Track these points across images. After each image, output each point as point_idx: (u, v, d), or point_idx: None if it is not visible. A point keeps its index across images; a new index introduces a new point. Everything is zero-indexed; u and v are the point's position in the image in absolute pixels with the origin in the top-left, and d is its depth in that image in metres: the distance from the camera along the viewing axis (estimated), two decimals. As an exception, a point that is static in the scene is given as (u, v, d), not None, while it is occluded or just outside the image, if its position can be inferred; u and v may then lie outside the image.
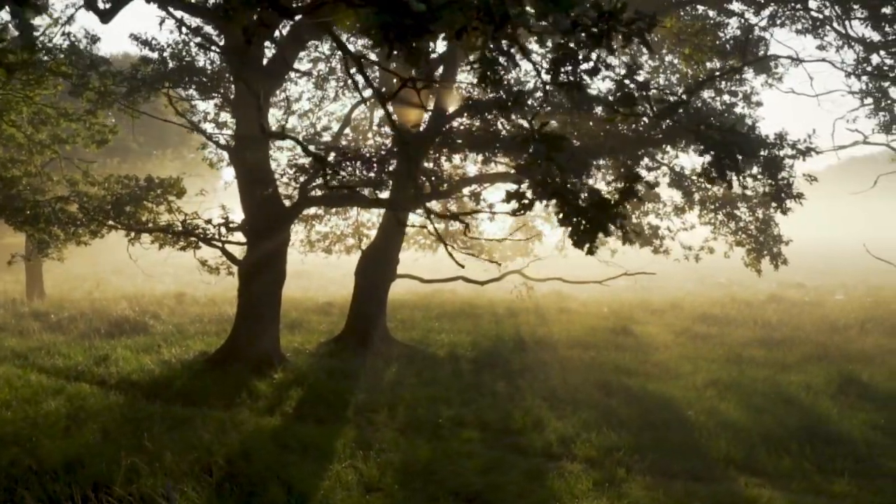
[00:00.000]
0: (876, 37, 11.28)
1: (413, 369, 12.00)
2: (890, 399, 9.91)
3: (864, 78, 11.67)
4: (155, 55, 12.51)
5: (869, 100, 11.95)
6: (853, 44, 11.45)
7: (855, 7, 11.52)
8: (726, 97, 16.45)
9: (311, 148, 10.93)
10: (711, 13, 15.06)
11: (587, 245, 3.70)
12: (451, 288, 22.39)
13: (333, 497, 6.20)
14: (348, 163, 10.73)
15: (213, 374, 11.25)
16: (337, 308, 19.13)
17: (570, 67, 3.67)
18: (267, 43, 11.78)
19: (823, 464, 7.39)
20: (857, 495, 6.67)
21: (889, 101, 11.70)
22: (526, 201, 3.67)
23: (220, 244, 12.21)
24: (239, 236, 12.49)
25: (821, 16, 11.59)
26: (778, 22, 13.64)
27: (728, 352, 13.73)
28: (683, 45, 12.08)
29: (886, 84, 11.32)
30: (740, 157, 4.28)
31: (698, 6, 14.88)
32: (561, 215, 3.67)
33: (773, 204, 10.38)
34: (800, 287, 24.93)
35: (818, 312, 18.24)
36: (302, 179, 11.64)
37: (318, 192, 12.49)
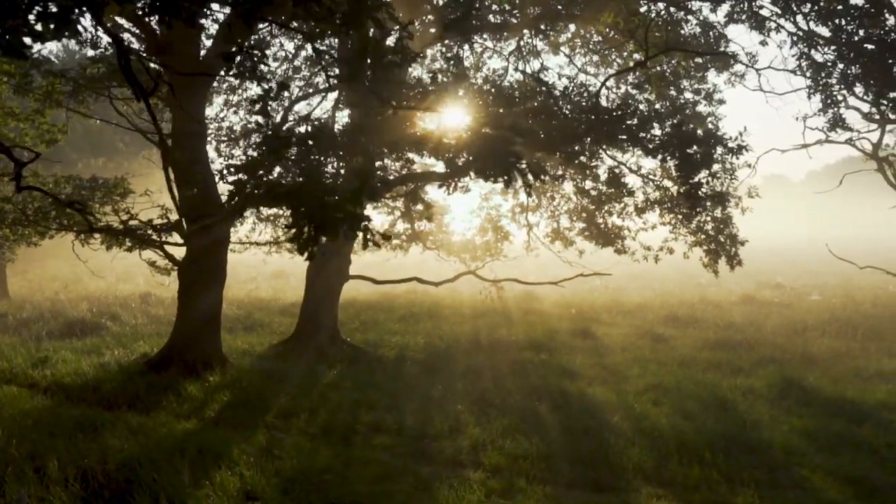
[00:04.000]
0: (825, 32, 10.99)
1: (353, 372, 11.82)
2: (828, 405, 9.64)
3: (809, 73, 11.37)
4: (95, 53, 12.33)
5: (816, 97, 11.66)
6: (797, 40, 11.17)
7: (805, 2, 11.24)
8: (689, 94, 16.32)
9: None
10: (677, 10, 14.87)
11: (307, 250, 3.49)
12: (423, 289, 22.19)
13: (205, 506, 6.01)
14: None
15: (146, 378, 11.07)
16: (301, 309, 18.96)
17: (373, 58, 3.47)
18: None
19: (734, 473, 7.13)
20: (758, 507, 6.43)
21: (834, 98, 11.39)
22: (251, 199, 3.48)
23: (157, 244, 12.03)
24: (180, 237, 12.30)
25: (766, 13, 11.31)
26: (735, 17, 13.39)
27: (683, 354, 13.47)
28: (625, 40, 11.82)
29: (831, 80, 11.01)
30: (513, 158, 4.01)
31: (659, 3, 14.69)
32: (291, 218, 3.46)
33: (688, 204, 10.09)
34: (777, 287, 24.58)
35: (786, 314, 17.92)
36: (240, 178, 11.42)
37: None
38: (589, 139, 9.82)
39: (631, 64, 16.36)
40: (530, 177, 4.83)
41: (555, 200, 18.19)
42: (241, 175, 3.72)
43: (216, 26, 10.58)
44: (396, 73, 3.94)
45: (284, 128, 15.56)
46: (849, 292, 22.29)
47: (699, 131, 10.01)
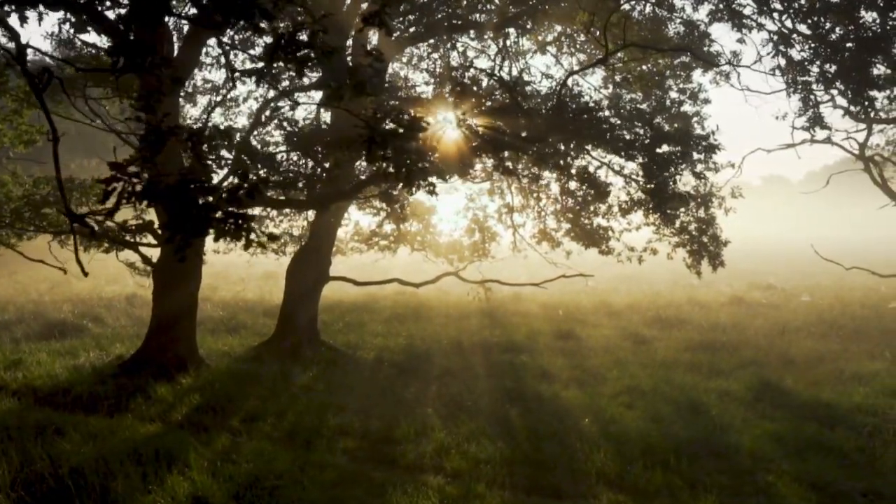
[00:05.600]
0: (804, 30, 10.84)
1: (328, 374, 11.69)
2: (803, 407, 9.49)
3: (787, 73, 11.23)
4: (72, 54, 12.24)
5: (796, 96, 11.53)
6: (778, 40, 11.02)
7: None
8: (674, 94, 16.18)
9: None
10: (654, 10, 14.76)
11: (181, 252, 3.38)
12: (411, 291, 22.02)
13: (151, 512, 5.90)
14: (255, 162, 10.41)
15: (118, 380, 10.97)
16: (286, 310, 18.80)
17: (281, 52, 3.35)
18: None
19: (698, 479, 7.00)
20: (718, 513, 6.30)
21: (813, 97, 11.24)
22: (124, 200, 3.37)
23: (132, 245, 11.94)
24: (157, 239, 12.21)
25: (748, 11, 11.17)
26: (718, 16, 13.27)
27: (665, 356, 13.33)
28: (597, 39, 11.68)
29: (809, 78, 10.88)
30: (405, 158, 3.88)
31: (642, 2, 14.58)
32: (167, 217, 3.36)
33: (651, 204, 9.93)
34: (768, 288, 24.40)
35: (773, 315, 17.76)
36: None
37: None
38: (552, 138, 9.68)
39: (621, 62, 16.28)
40: (434, 178, 4.72)
41: (541, 201, 18.04)
42: (114, 172, 3.59)
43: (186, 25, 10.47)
44: (326, 69, 3.82)
45: (270, 127, 15.51)
46: (839, 293, 22.11)
47: (678, 127, 9.85)
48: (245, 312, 18.95)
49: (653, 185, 9.76)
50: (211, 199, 3.32)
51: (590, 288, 23.75)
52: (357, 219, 20.34)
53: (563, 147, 10.46)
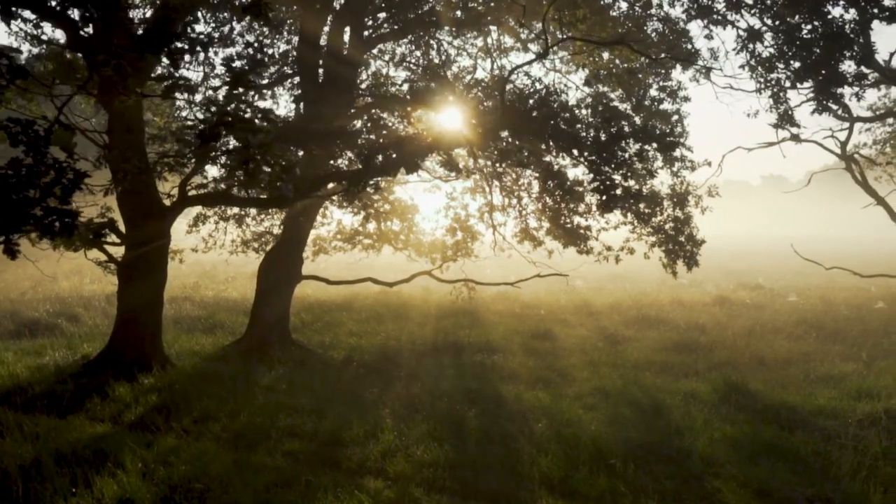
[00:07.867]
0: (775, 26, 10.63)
1: (294, 374, 11.55)
2: (766, 410, 9.31)
3: (755, 69, 11.04)
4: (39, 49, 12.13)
5: (766, 93, 11.32)
6: (748, 38, 10.82)
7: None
8: (654, 92, 15.99)
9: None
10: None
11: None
12: (395, 290, 21.87)
13: (71, 517, 5.78)
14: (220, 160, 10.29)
15: (79, 379, 10.87)
16: (266, 309, 18.65)
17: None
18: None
19: (643, 484, 6.84)
20: (657, 520, 6.14)
21: (784, 93, 11.04)
22: None
23: (96, 243, 11.80)
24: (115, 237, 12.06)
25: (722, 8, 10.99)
26: (691, 13, 13.09)
27: (639, 357, 13.17)
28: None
29: (779, 75, 10.68)
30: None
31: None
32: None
33: (602, 202, 9.74)
34: (756, 288, 24.16)
35: (755, 315, 17.54)
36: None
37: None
38: (502, 134, 9.53)
39: (592, 58, 16.13)
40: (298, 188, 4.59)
41: (522, 200, 17.86)
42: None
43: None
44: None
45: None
46: (825, 293, 21.87)
47: (640, 124, 9.68)
48: (225, 312, 18.81)
49: (598, 184, 9.58)
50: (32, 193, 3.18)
51: (575, 287, 23.57)
52: (339, 217, 20.19)
53: (541, 146, 10.27)
